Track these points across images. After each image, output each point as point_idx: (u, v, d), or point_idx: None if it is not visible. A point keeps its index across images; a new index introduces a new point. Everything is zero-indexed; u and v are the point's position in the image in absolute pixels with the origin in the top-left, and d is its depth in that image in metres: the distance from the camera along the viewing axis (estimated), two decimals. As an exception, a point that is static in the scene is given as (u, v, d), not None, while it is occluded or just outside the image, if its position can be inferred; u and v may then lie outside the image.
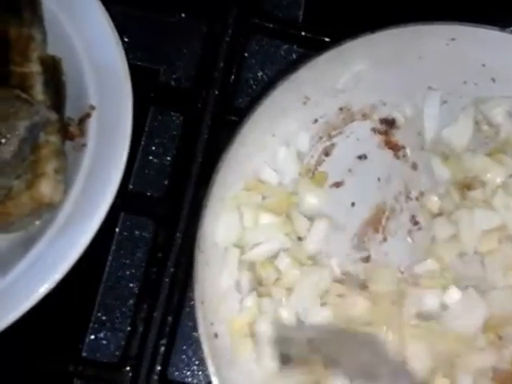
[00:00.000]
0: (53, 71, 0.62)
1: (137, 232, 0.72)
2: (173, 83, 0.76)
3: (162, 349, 0.65)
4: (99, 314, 0.69)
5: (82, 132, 0.60)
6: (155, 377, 0.65)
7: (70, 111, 0.63)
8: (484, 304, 0.64)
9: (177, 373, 0.68)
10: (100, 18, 0.62)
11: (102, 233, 0.70)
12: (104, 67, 0.61)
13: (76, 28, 0.62)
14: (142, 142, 0.74)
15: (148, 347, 0.65)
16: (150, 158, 0.74)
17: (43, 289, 0.56)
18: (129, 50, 0.76)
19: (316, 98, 0.70)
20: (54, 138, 0.59)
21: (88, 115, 0.61)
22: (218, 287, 0.62)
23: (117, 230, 0.71)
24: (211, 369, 0.56)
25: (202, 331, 0.57)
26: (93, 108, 0.61)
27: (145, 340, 0.66)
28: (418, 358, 0.63)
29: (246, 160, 0.65)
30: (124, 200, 0.72)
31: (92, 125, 0.60)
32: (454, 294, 0.64)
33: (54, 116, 0.59)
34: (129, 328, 0.67)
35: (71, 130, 0.60)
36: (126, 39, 0.76)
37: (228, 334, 0.60)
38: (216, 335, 0.61)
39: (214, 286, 0.61)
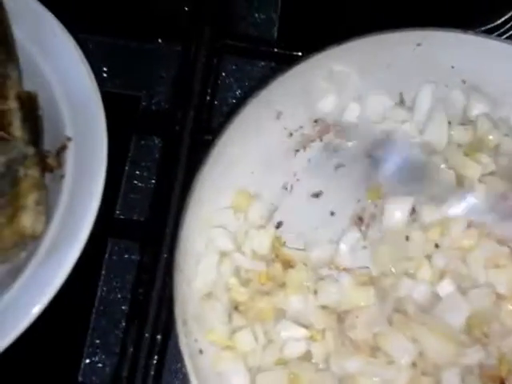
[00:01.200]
0: (29, 106, 0.64)
1: (126, 256, 0.74)
2: (153, 108, 0.79)
3: (153, 368, 0.66)
4: (93, 338, 0.71)
5: (60, 163, 0.62)
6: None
7: (48, 144, 0.65)
8: (466, 302, 0.64)
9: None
10: (72, 53, 0.65)
11: (91, 259, 0.72)
12: (78, 99, 0.63)
13: (49, 63, 0.65)
14: (127, 168, 0.76)
15: (139, 367, 0.67)
16: (135, 182, 0.76)
17: (31, 316, 0.58)
18: (108, 78, 0.79)
19: (289, 112, 0.71)
20: (33, 172, 0.61)
21: (65, 147, 0.63)
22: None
23: (106, 255, 0.73)
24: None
25: (184, 349, 0.58)
26: (69, 139, 0.63)
27: (136, 360, 0.67)
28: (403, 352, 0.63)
29: (221, 178, 0.66)
30: (111, 226, 0.75)
31: (69, 156, 0.62)
32: (446, 286, 0.65)
33: (31, 150, 0.61)
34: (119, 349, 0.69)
35: (49, 162, 0.62)
36: (104, 68, 0.79)
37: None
38: (201, 351, 0.62)
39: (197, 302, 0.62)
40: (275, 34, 0.82)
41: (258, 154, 0.70)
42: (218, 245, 0.66)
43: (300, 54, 0.77)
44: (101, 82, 0.76)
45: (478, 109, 0.72)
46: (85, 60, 0.65)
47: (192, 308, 0.61)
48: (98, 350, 0.71)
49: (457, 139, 0.71)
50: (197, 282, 0.63)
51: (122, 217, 0.74)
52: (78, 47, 0.66)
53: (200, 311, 0.62)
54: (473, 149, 0.71)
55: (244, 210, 0.67)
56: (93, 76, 0.64)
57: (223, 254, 0.65)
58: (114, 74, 0.79)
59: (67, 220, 0.60)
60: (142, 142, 0.77)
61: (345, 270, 0.66)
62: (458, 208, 0.67)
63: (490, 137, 0.70)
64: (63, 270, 0.59)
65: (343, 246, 0.66)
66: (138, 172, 0.76)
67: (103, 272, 0.73)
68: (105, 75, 0.79)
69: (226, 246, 0.66)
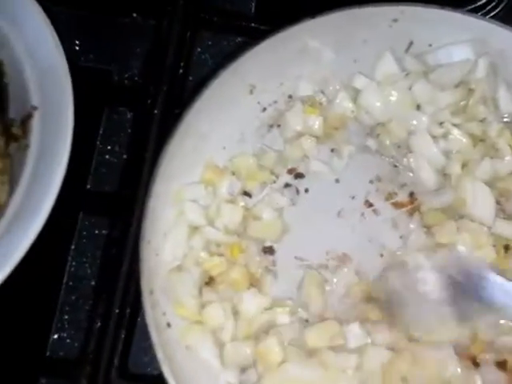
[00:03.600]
0: (-5, 73, 0.63)
1: (96, 231, 0.73)
2: (126, 82, 0.77)
3: (120, 343, 0.65)
4: (62, 314, 0.70)
5: (25, 133, 0.61)
6: (114, 370, 0.65)
7: (13, 113, 0.63)
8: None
9: (138, 365, 0.68)
10: (39, 22, 0.63)
11: (61, 234, 0.72)
12: (45, 68, 0.62)
13: (16, 32, 0.63)
14: (98, 142, 0.75)
15: (106, 342, 0.66)
16: (107, 157, 0.75)
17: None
18: (81, 52, 0.78)
19: (262, 87, 0.70)
20: (-2, 140, 0.60)
21: (30, 116, 0.61)
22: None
23: (76, 230, 0.72)
24: (160, 356, 0.56)
25: (150, 321, 0.57)
26: (35, 108, 0.62)
27: (103, 335, 0.66)
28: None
29: (192, 152, 0.65)
30: (83, 200, 0.74)
31: (35, 125, 0.61)
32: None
33: (-6, 118, 0.60)
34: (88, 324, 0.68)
35: (14, 132, 0.61)
36: (77, 42, 0.78)
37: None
38: (169, 325, 0.61)
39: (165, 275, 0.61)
40: (253, 9, 0.80)
41: (230, 129, 0.69)
42: (189, 219, 0.65)
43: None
44: (74, 56, 0.76)
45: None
46: (52, 29, 0.63)
47: (160, 280, 0.60)
48: (66, 326, 0.70)
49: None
50: (165, 254, 0.62)
51: (93, 191, 0.73)
52: (45, 17, 0.64)
53: (169, 284, 0.61)
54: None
55: (214, 184, 0.66)
56: (60, 46, 0.63)
57: (194, 228, 0.64)
58: (87, 48, 0.78)
59: (31, 190, 0.59)
60: (115, 117, 0.76)
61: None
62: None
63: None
64: (25, 240, 0.57)
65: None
66: (109, 147, 0.75)
67: (73, 247, 0.72)
68: (77, 48, 0.78)
69: (197, 220, 0.65)
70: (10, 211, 0.59)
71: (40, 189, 0.59)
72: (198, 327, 0.61)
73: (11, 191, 0.60)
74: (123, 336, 0.66)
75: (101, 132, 0.75)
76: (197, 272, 0.63)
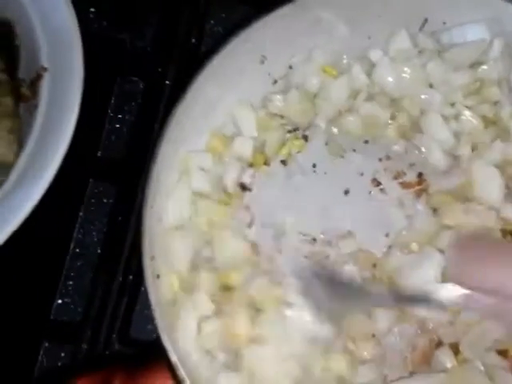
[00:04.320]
0: (6, 34, 0.63)
1: (105, 199, 0.73)
2: (139, 51, 0.77)
3: (122, 309, 0.66)
4: (67, 280, 0.70)
5: (34, 93, 0.61)
6: (114, 336, 0.65)
7: (23, 73, 0.64)
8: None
9: (141, 332, 0.68)
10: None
11: (70, 200, 0.72)
12: (56, 30, 0.62)
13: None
14: (109, 111, 0.75)
15: (108, 308, 0.66)
16: (118, 125, 0.75)
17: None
18: (95, 19, 0.78)
19: (274, 58, 0.69)
20: (7, 100, 0.60)
21: (40, 77, 0.61)
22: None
23: (85, 197, 0.72)
24: (158, 322, 0.56)
25: (151, 287, 0.57)
26: (45, 69, 0.62)
27: (105, 302, 0.66)
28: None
29: (199, 119, 0.65)
30: (93, 166, 0.74)
31: (44, 86, 0.61)
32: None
33: (4, 77, 0.60)
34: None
35: (23, 92, 0.61)
36: (92, 9, 0.78)
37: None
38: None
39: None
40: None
41: (239, 98, 0.68)
42: (194, 186, 0.64)
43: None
44: (88, 23, 0.76)
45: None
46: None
47: (162, 246, 0.60)
48: (71, 291, 0.70)
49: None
50: (168, 219, 0.61)
51: (103, 158, 0.73)
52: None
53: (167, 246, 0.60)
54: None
55: (220, 152, 0.65)
56: (72, 8, 0.63)
57: (198, 195, 0.64)
58: (102, 15, 0.78)
59: (37, 152, 0.59)
60: (127, 86, 0.76)
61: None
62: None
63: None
64: (31, 200, 0.57)
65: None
66: (120, 116, 0.75)
67: (81, 214, 0.72)
68: (92, 16, 0.78)
69: (203, 186, 0.64)
70: (15, 172, 0.59)
71: (47, 151, 0.59)
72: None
73: (19, 151, 0.60)
74: (125, 302, 0.66)
75: (112, 101, 0.75)
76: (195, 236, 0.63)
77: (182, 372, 0.56)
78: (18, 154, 0.60)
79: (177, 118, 0.61)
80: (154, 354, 0.59)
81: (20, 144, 0.60)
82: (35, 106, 0.61)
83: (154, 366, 0.61)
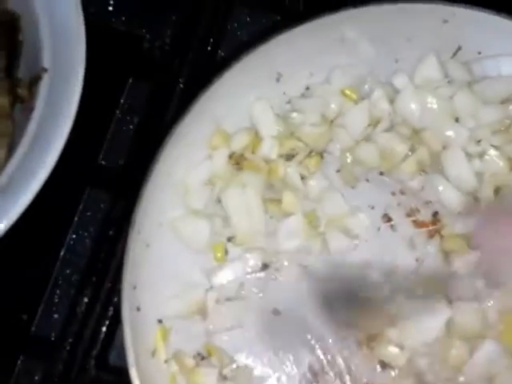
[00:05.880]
0: (10, 27, 0.60)
1: (102, 207, 0.70)
2: (155, 51, 0.73)
3: (103, 330, 0.63)
4: (54, 287, 0.67)
5: (31, 95, 0.58)
6: (92, 361, 0.63)
7: (21, 72, 0.61)
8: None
9: (122, 358, 0.65)
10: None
11: (64, 207, 0.69)
12: (60, 30, 0.59)
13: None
14: (117, 111, 0.72)
15: (88, 328, 0.63)
16: (124, 128, 0.72)
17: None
18: (114, 13, 0.75)
19: (290, 76, 0.65)
20: (3, 100, 0.57)
21: (39, 78, 0.58)
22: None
23: (81, 205, 0.69)
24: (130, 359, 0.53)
25: (126, 317, 0.53)
26: (45, 71, 0.58)
27: (86, 321, 0.64)
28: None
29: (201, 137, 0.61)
30: (91, 174, 0.71)
31: (42, 89, 0.58)
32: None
33: (3, 76, 0.57)
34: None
35: (20, 92, 0.58)
36: (111, 2, 0.75)
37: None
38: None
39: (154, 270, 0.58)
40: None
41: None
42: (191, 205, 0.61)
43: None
44: (106, 16, 0.72)
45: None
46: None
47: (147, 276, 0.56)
48: (56, 300, 0.67)
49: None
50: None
51: (103, 165, 0.70)
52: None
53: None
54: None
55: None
56: (80, 7, 0.59)
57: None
58: (121, 10, 0.75)
59: (28, 156, 0.56)
60: (139, 87, 0.73)
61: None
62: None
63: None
64: (16, 208, 0.55)
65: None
66: (128, 117, 0.72)
67: (76, 219, 0.69)
68: (111, 9, 0.74)
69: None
70: (6, 173, 0.56)
71: (38, 155, 0.56)
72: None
73: (8, 156, 0.57)
74: (105, 327, 0.63)
75: (122, 101, 0.72)
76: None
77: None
78: (7, 159, 0.57)
79: (176, 135, 0.57)
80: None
81: (10, 148, 0.58)
82: (31, 109, 0.57)
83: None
